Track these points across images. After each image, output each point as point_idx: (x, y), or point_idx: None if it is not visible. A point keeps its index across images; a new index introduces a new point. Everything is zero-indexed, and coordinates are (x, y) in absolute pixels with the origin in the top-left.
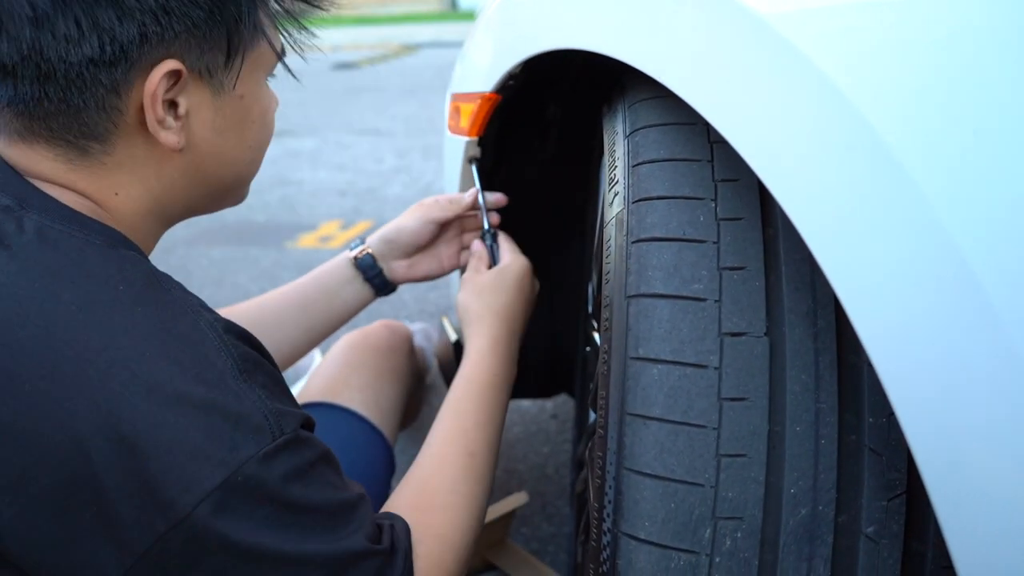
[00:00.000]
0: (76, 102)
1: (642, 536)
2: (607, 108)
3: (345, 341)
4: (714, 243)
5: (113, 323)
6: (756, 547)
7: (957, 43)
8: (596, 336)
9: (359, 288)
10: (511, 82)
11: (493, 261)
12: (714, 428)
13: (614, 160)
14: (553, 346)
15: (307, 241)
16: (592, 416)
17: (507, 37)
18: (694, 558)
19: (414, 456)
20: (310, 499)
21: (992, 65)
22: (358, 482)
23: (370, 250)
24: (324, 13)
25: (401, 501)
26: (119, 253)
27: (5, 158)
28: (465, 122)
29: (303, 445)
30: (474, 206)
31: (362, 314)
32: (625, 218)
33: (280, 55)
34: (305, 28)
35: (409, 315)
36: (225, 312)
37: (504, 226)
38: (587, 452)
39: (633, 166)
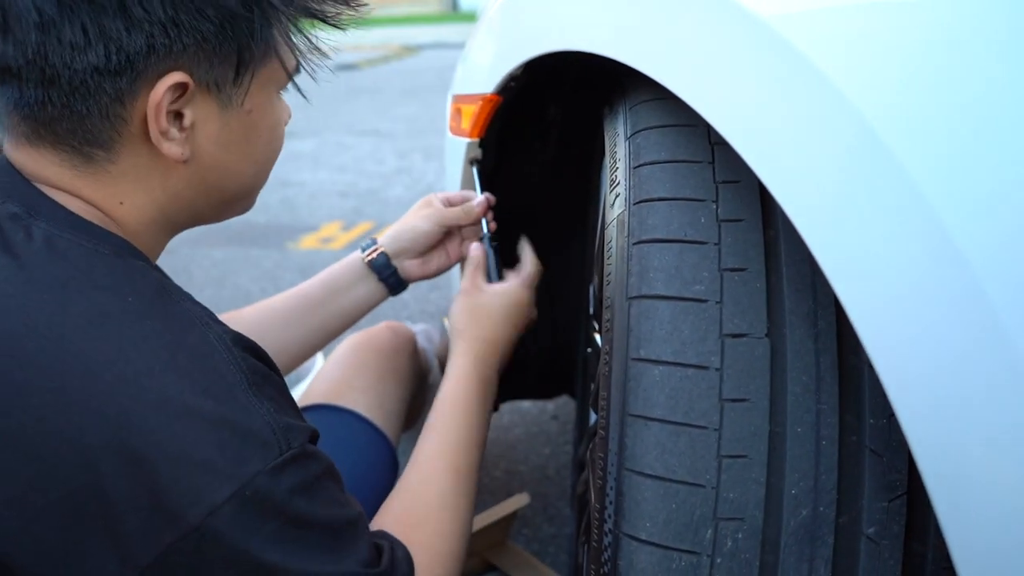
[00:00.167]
0: (80, 109)
1: (643, 537)
2: (608, 110)
3: (349, 343)
4: (715, 244)
5: (122, 336)
6: (757, 548)
7: (958, 45)
8: (597, 337)
9: (371, 287)
10: (512, 84)
11: (488, 268)
12: (715, 429)
13: (615, 162)
14: (554, 347)
15: (308, 242)
16: (593, 417)
17: (508, 39)
18: (695, 559)
19: None
20: (315, 514)
21: (993, 67)
22: (362, 484)
23: (384, 250)
24: (341, 32)
25: (390, 518)
26: (128, 263)
27: (12, 162)
28: (466, 123)
29: (310, 459)
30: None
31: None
32: (626, 220)
33: (293, 73)
34: (319, 49)
35: (410, 315)
36: (234, 315)
37: (506, 228)
38: (588, 453)
39: (634, 168)
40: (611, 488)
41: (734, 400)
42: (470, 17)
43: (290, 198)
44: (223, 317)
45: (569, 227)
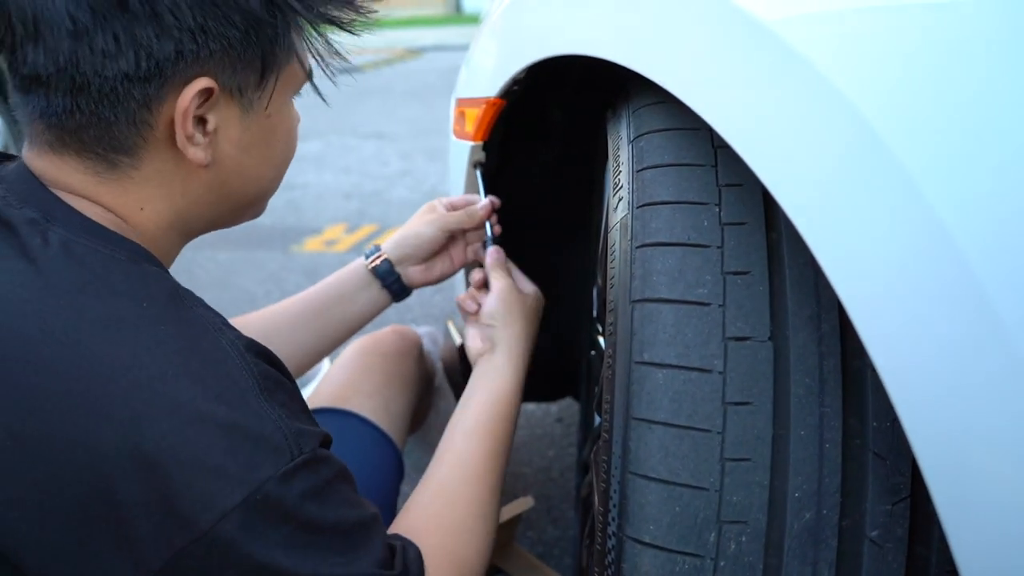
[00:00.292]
0: (107, 115)
1: (647, 540)
2: (611, 113)
3: (355, 347)
4: (718, 248)
5: (137, 341)
6: (761, 551)
7: (960, 47)
8: (601, 340)
9: (375, 294)
10: (516, 87)
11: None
12: (718, 432)
13: (618, 165)
14: (558, 350)
15: (313, 244)
16: (597, 420)
17: (511, 43)
18: (699, 562)
19: (420, 460)
20: (326, 518)
21: (995, 69)
22: (368, 487)
23: (387, 257)
24: (355, 37)
25: (411, 522)
26: (143, 269)
27: (32, 169)
28: (470, 127)
29: (321, 464)
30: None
31: None
32: (629, 223)
33: (309, 75)
34: (339, 53)
35: (414, 319)
36: (239, 321)
37: (509, 231)
38: (592, 456)
39: (637, 171)
40: (615, 491)
41: (737, 403)
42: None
43: (294, 200)
44: None
45: (572, 230)
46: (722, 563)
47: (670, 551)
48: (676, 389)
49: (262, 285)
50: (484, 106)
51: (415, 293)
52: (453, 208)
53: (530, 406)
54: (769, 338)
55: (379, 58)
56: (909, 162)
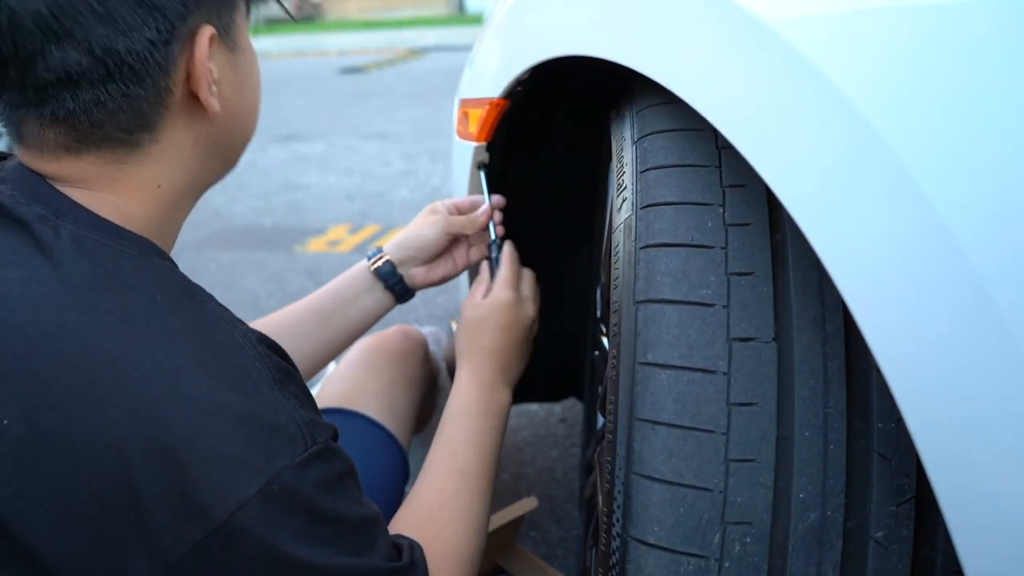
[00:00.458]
0: (136, 92)
1: (651, 541)
2: (615, 114)
3: (360, 346)
4: (722, 248)
5: (151, 334)
6: (765, 552)
7: (961, 47)
8: (605, 341)
9: (379, 296)
10: (519, 88)
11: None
12: (723, 433)
13: (622, 166)
14: (562, 350)
15: (316, 245)
16: (601, 420)
17: (515, 43)
18: (703, 563)
19: (424, 460)
20: (339, 510)
21: (995, 69)
22: (373, 487)
23: (389, 258)
24: None
25: (403, 523)
26: (153, 263)
27: (35, 170)
28: (474, 127)
29: (333, 456)
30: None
31: None
32: (633, 224)
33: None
34: None
35: (418, 319)
36: None
37: (512, 232)
38: (596, 456)
39: (641, 172)
40: (619, 492)
41: (741, 404)
42: (476, 20)
43: (297, 201)
44: None
45: (576, 230)
46: (726, 564)
47: (674, 552)
48: (680, 390)
49: (265, 286)
50: (488, 107)
51: (420, 294)
52: (457, 210)
53: (533, 406)
54: (773, 339)
55: (381, 58)
56: (913, 164)
